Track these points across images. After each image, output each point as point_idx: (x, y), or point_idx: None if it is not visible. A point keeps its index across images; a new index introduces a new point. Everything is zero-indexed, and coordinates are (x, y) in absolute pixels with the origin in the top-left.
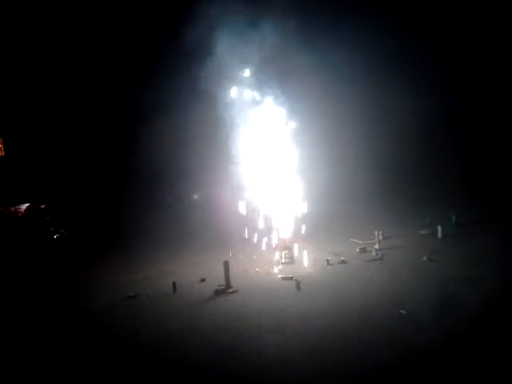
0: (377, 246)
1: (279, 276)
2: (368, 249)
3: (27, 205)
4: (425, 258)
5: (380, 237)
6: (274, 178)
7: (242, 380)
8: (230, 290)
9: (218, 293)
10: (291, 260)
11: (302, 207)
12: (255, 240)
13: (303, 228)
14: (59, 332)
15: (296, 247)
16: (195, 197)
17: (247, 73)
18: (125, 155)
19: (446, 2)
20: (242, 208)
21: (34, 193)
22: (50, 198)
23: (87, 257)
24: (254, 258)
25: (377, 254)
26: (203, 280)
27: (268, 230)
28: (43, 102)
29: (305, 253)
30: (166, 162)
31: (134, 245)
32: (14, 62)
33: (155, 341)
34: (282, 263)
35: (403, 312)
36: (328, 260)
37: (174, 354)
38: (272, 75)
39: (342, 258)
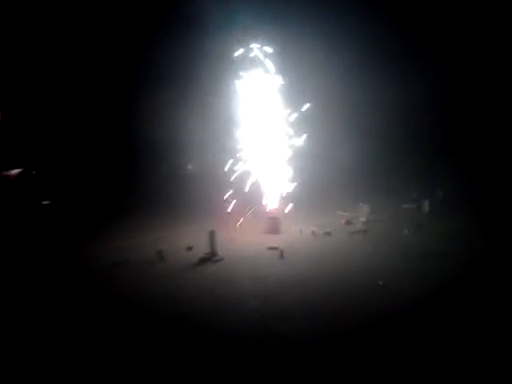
0: (363, 219)
1: (265, 245)
2: (353, 221)
3: (19, 170)
4: (408, 231)
5: (367, 210)
6: (266, 148)
7: (223, 342)
8: (216, 258)
9: (204, 261)
10: (277, 230)
11: (292, 178)
12: (243, 209)
13: (291, 199)
14: (47, 294)
15: (283, 218)
16: (190, 167)
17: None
18: (121, 124)
19: None
20: (232, 178)
21: (28, 158)
22: (43, 165)
23: (79, 224)
24: (241, 227)
25: (362, 227)
26: (190, 248)
27: (256, 199)
28: (40, 68)
29: (291, 223)
30: (161, 132)
31: (126, 213)
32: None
33: (140, 304)
34: (268, 233)
35: (381, 283)
36: (313, 231)
37: (157, 317)
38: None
39: (327, 230)
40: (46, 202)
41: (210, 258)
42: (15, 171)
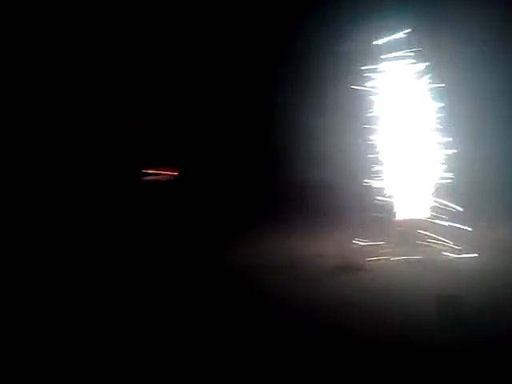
0: None
1: (400, 258)
2: None
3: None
4: None
5: None
6: (408, 149)
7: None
8: (353, 268)
9: (341, 269)
10: (415, 243)
11: (436, 186)
12: (377, 218)
13: (430, 211)
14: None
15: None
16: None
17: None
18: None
19: None
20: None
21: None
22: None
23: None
24: (375, 236)
25: None
26: (321, 255)
27: (391, 208)
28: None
29: (430, 237)
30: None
31: (264, 219)
32: None
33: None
34: (402, 245)
35: None
36: (456, 247)
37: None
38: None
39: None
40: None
41: (347, 267)
42: (164, 175)
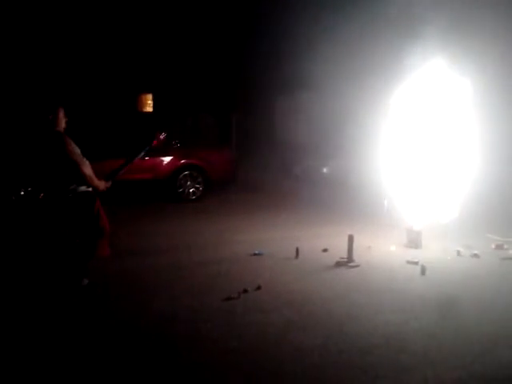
0: None
1: (404, 259)
2: (506, 246)
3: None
4: None
5: None
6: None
7: (355, 352)
8: (352, 264)
9: (339, 265)
10: (418, 245)
11: (447, 190)
12: (385, 218)
13: (438, 215)
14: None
15: (425, 232)
16: (325, 170)
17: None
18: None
19: None
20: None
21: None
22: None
23: (216, 214)
24: (379, 237)
25: None
26: (325, 250)
27: (400, 210)
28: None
29: (434, 240)
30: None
31: (260, 209)
32: None
33: (275, 297)
34: (408, 247)
35: None
36: (458, 251)
37: (291, 312)
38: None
39: (475, 252)
40: (192, 190)
41: (346, 263)
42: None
